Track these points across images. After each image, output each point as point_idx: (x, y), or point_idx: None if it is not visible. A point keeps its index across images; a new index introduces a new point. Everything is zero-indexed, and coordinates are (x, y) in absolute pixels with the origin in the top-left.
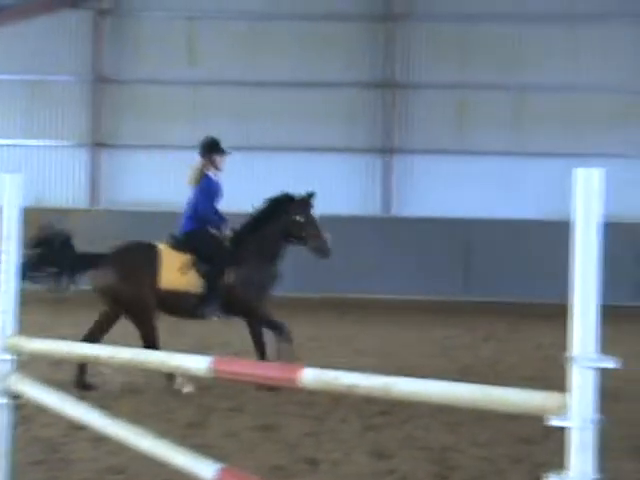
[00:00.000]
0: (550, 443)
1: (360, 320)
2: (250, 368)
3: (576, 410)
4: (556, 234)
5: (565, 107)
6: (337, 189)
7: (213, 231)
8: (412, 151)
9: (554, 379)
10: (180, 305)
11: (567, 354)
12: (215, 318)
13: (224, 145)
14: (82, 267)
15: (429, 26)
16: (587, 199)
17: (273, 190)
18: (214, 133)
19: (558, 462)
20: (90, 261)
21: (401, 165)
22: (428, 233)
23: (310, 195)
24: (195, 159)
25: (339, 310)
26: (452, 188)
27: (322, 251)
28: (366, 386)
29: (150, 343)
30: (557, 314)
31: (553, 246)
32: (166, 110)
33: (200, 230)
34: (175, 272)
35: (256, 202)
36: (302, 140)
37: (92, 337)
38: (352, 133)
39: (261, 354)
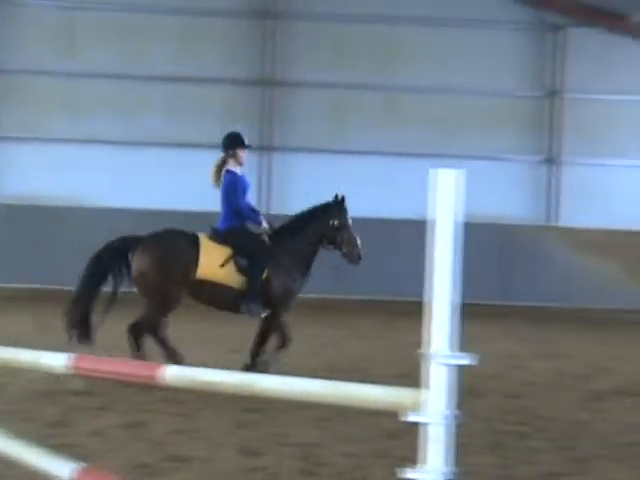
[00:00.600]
0: (415, 438)
1: (233, 319)
2: (111, 366)
3: (431, 406)
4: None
5: (437, 108)
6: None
7: (252, 228)
8: (290, 149)
9: (421, 377)
10: (216, 297)
11: (422, 351)
12: (262, 315)
13: (110, 139)
14: (123, 251)
15: (308, 25)
16: (445, 199)
17: (152, 184)
18: (94, 126)
19: (421, 457)
20: (129, 244)
21: (279, 163)
22: None
23: (343, 198)
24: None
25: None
26: (328, 187)
27: (353, 257)
28: (229, 383)
29: (148, 325)
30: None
31: (424, 245)
32: (46, 102)
33: (239, 226)
34: (214, 264)
35: (137, 197)
36: (180, 136)
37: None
38: (230, 130)
39: (257, 348)
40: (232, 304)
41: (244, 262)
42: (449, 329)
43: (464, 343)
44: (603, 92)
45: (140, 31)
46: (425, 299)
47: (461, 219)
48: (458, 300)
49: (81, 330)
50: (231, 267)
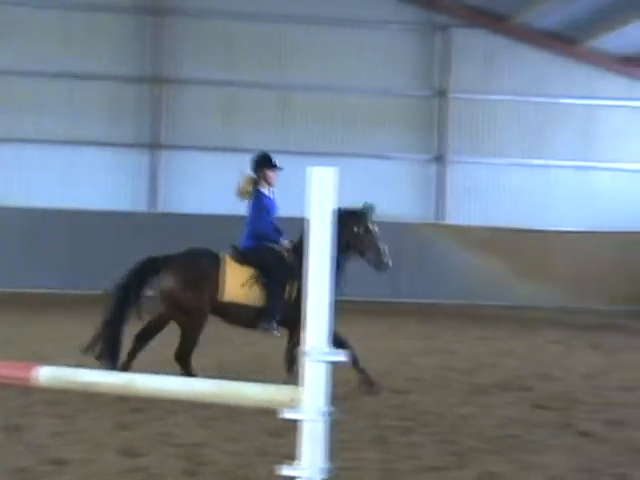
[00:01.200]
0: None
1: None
2: None
3: (308, 403)
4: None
5: (329, 107)
6: (102, 184)
7: (272, 246)
8: (180, 147)
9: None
10: (241, 317)
11: (301, 348)
12: (275, 333)
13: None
14: (149, 271)
15: (199, 22)
16: (321, 197)
17: (41, 183)
18: None
19: (298, 454)
20: (156, 264)
21: (169, 161)
22: (196, 229)
23: (369, 207)
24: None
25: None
26: (220, 185)
27: (379, 263)
28: (106, 383)
29: (187, 351)
30: None
31: None
32: None
33: (260, 246)
34: (237, 285)
35: (25, 195)
36: (67, 133)
37: (146, 335)
38: (118, 127)
39: (290, 365)
40: (252, 322)
41: (265, 281)
42: (325, 326)
43: (353, 340)
44: (487, 92)
45: (24, 26)
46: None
47: (333, 216)
48: (333, 298)
49: (110, 352)
50: (253, 287)
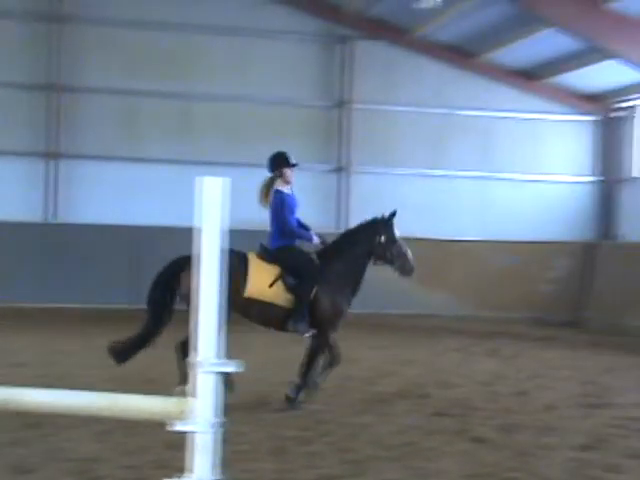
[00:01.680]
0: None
1: (20, 330)
2: None
3: (198, 414)
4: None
5: (231, 117)
6: None
7: (302, 246)
8: (79, 156)
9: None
10: (265, 316)
11: (191, 359)
12: (308, 334)
13: None
14: (172, 270)
15: (99, 30)
16: (209, 207)
17: None
18: None
19: (189, 466)
20: (178, 264)
21: (67, 170)
22: (95, 241)
23: (392, 215)
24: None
25: None
26: (120, 195)
27: (406, 270)
28: None
29: None
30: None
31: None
32: None
33: (289, 245)
34: (262, 283)
35: None
36: None
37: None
38: (15, 136)
39: (306, 368)
40: (280, 323)
41: (292, 281)
42: (215, 337)
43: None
44: (389, 103)
45: None
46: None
47: (226, 226)
48: (224, 308)
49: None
50: (279, 286)
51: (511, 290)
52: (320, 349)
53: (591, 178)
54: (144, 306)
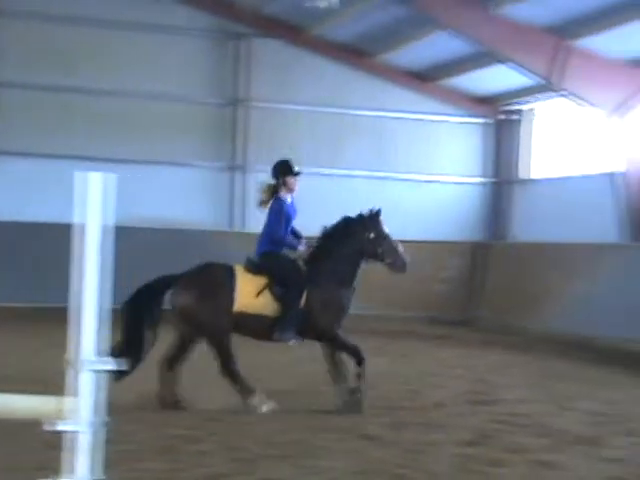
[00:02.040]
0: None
1: None
2: None
3: (78, 413)
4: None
5: (119, 113)
6: None
7: (288, 253)
8: None
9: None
10: (255, 328)
11: (67, 357)
12: (292, 342)
13: None
14: (161, 288)
15: None
16: (92, 203)
17: None
18: None
19: (69, 466)
20: (168, 282)
21: None
22: (10, 238)
23: (378, 211)
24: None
25: None
26: (14, 191)
27: (399, 266)
28: None
29: (226, 365)
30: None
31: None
32: None
33: (275, 252)
34: (250, 295)
35: None
36: None
37: (173, 358)
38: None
39: (338, 375)
40: (266, 333)
41: (280, 290)
42: (96, 335)
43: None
44: (285, 102)
45: None
46: (71, 305)
47: (111, 223)
48: (107, 306)
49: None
50: (267, 296)
51: (405, 289)
52: (340, 350)
53: (483, 179)
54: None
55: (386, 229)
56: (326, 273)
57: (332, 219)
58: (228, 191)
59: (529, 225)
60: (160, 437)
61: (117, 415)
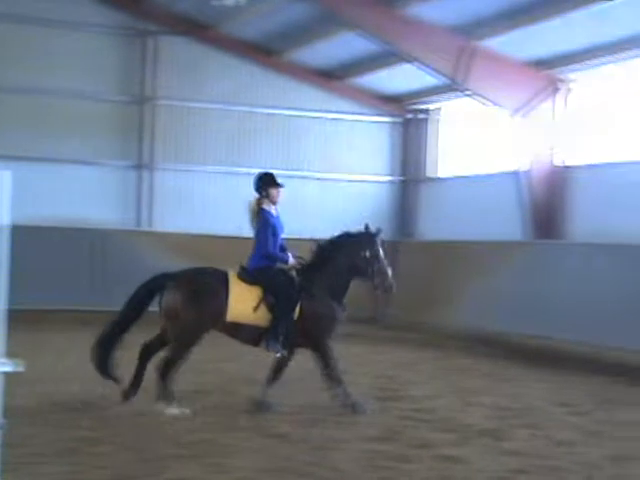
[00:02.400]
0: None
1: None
2: None
3: None
4: None
5: (26, 110)
6: None
7: (281, 266)
8: None
9: None
10: (251, 337)
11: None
12: (278, 354)
13: None
14: (155, 288)
15: None
16: None
17: None
18: None
19: None
20: (161, 281)
21: None
22: None
23: (378, 231)
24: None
25: None
26: None
27: (386, 288)
28: None
29: (170, 363)
30: None
31: None
32: None
33: (269, 267)
34: (246, 306)
35: None
36: None
37: (148, 351)
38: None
39: (272, 380)
40: (256, 340)
41: (272, 302)
42: None
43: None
44: (194, 100)
45: None
46: None
47: (6, 222)
48: (3, 307)
49: (102, 368)
50: (262, 308)
51: None
52: (327, 359)
53: (391, 178)
54: None
55: (381, 250)
56: (321, 286)
57: (243, 219)
58: (135, 190)
59: (436, 223)
60: (62, 439)
61: (17, 417)
